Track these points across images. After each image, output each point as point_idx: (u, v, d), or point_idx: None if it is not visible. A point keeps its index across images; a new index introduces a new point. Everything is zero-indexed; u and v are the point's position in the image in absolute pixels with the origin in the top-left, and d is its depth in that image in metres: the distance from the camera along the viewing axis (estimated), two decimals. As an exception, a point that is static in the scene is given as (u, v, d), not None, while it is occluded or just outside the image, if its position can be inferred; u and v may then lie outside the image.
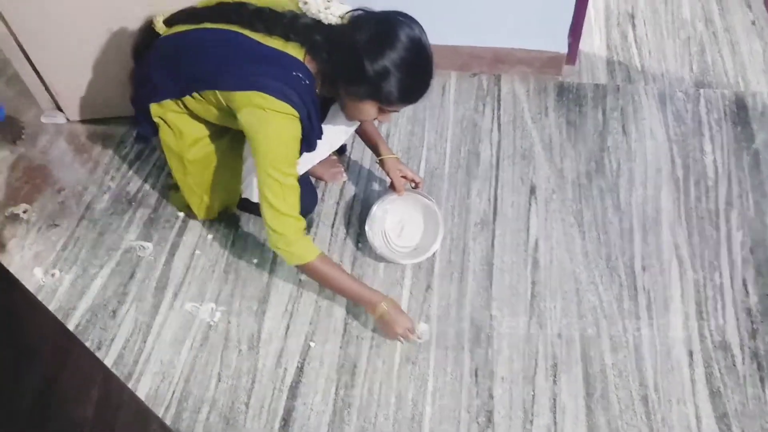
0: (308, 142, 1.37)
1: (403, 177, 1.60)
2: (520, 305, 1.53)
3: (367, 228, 1.56)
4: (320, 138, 1.40)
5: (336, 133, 1.50)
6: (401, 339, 1.43)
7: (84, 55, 1.75)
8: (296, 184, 1.33)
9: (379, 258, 1.60)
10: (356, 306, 1.52)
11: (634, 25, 2.28)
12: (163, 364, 1.45)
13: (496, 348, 1.46)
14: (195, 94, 1.37)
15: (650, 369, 1.42)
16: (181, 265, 1.62)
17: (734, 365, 1.43)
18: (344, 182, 1.80)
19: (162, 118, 1.44)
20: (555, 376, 1.42)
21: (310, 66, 1.31)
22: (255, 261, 1.63)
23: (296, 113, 1.28)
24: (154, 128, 1.47)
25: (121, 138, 1.92)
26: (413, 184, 1.63)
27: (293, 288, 1.58)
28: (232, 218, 1.71)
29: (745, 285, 1.57)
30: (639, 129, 1.92)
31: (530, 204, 1.74)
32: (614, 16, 2.33)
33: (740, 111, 1.97)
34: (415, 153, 1.87)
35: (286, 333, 1.50)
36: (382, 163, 1.61)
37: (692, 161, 1.83)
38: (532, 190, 1.77)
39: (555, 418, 1.36)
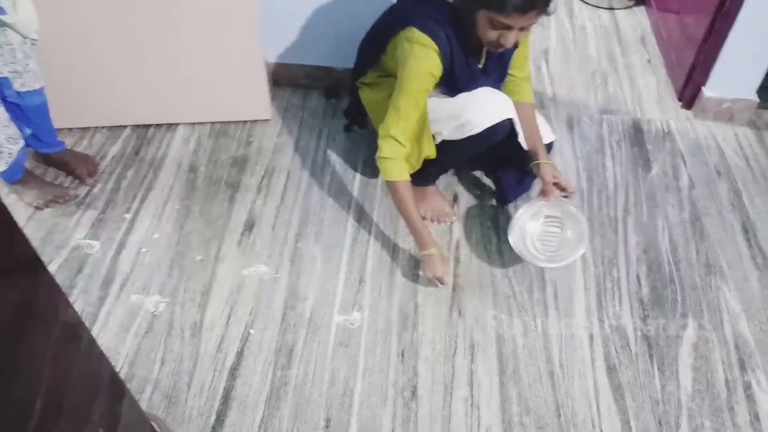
0: (449, 85, 1.58)
1: (555, 184, 1.64)
2: (443, 296, 1.70)
3: (509, 232, 1.69)
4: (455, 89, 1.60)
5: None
6: (431, 281, 1.66)
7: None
8: (411, 112, 1.52)
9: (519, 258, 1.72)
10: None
11: (547, 60, 2.57)
12: (108, 351, 1.52)
13: (420, 332, 1.62)
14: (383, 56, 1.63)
15: (556, 348, 1.61)
16: (127, 261, 1.71)
17: (628, 345, 1.63)
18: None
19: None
20: (472, 356, 1.58)
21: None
22: (199, 258, 1.74)
23: (437, 47, 1.46)
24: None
25: (74, 145, 2.02)
26: (564, 194, 1.67)
27: (235, 282, 1.69)
28: (177, 217, 1.82)
29: (638, 279, 1.79)
30: (550, 147, 2.16)
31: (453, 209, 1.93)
32: (531, 52, 2.60)
33: (637, 134, 2.25)
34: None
35: (227, 321, 1.61)
36: (537, 167, 1.67)
37: (595, 175, 2.08)
38: (455, 198, 1.96)
39: (472, 391, 1.51)
